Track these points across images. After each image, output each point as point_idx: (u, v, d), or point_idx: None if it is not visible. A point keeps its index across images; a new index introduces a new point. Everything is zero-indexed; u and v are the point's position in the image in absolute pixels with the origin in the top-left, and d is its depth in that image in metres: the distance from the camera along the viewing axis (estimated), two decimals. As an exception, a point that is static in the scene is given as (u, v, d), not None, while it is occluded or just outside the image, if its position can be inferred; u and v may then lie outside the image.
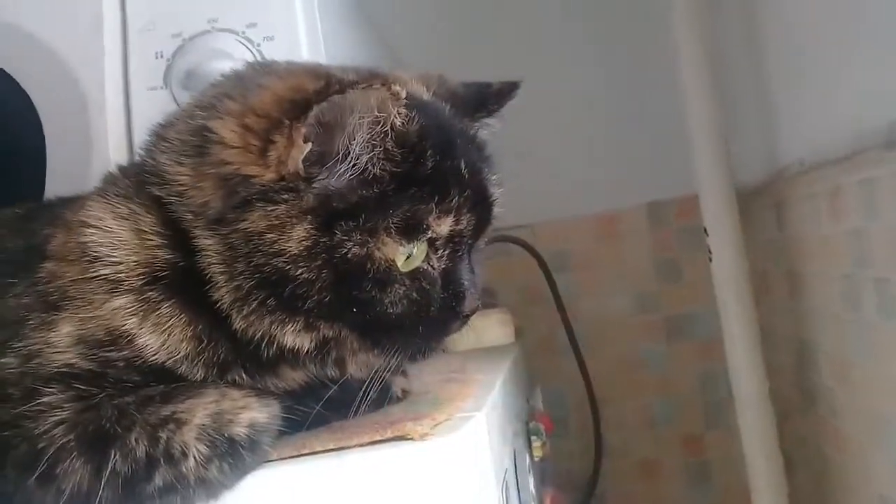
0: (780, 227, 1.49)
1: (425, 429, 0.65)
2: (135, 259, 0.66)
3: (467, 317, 0.71)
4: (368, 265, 0.64)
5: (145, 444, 0.59)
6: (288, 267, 0.63)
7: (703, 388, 1.87)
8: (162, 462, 0.59)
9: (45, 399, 0.60)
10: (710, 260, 1.44)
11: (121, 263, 0.66)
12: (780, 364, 1.54)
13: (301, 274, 0.63)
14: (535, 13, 1.88)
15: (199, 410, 0.61)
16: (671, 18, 1.48)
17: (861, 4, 1.07)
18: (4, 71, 1.08)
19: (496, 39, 1.87)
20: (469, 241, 0.70)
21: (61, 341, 0.63)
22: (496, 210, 0.73)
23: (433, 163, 0.66)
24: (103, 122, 1.05)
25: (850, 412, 1.25)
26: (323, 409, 0.69)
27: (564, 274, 1.84)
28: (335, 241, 0.63)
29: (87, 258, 0.66)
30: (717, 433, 1.84)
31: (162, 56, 1.06)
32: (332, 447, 0.65)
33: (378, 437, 0.65)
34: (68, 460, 0.58)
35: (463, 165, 0.68)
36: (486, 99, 0.78)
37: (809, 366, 1.42)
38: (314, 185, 0.63)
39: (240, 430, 0.61)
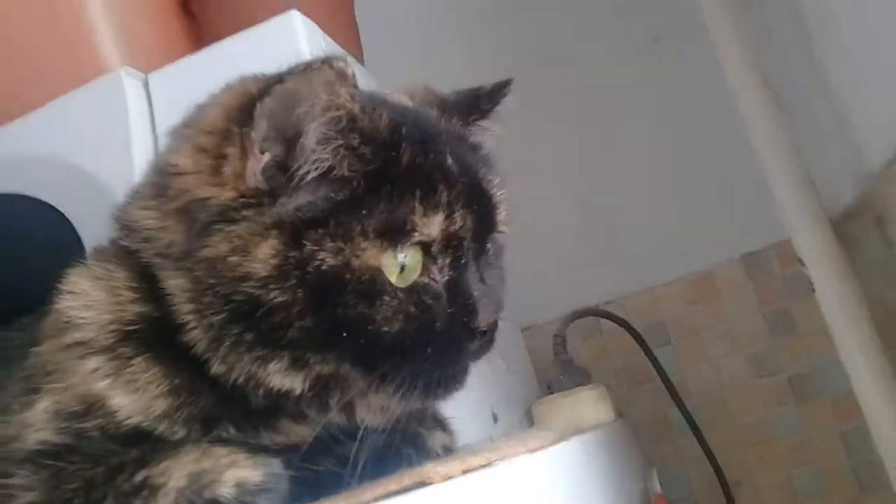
0: (886, 243, 1.33)
1: (450, 471, 0.55)
2: (107, 317, 0.61)
3: (486, 334, 0.62)
4: (348, 276, 0.57)
5: None
6: (258, 292, 0.56)
7: (848, 448, 1.63)
8: None
9: (15, 481, 0.55)
10: (813, 290, 1.29)
11: (92, 324, 0.61)
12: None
13: (274, 298, 0.56)
14: (611, 83, 1.81)
15: (176, 472, 0.53)
16: (723, 58, 1.40)
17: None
18: (48, 204, 1.10)
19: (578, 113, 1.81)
20: (472, 246, 0.62)
21: (38, 419, 0.59)
22: (502, 213, 0.65)
23: (410, 158, 0.59)
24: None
25: None
26: (340, 469, 0.60)
27: (665, 347, 1.70)
28: (305, 253, 0.56)
29: (61, 326, 0.62)
30: (875, 500, 1.60)
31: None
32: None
33: (394, 487, 0.55)
34: None
35: (450, 161, 0.61)
36: (478, 100, 0.71)
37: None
38: (278, 197, 0.57)
39: (225, 492, 0.52)
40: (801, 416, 1.67)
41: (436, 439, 0.68)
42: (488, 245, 0.65)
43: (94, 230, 1.08)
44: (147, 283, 0.62)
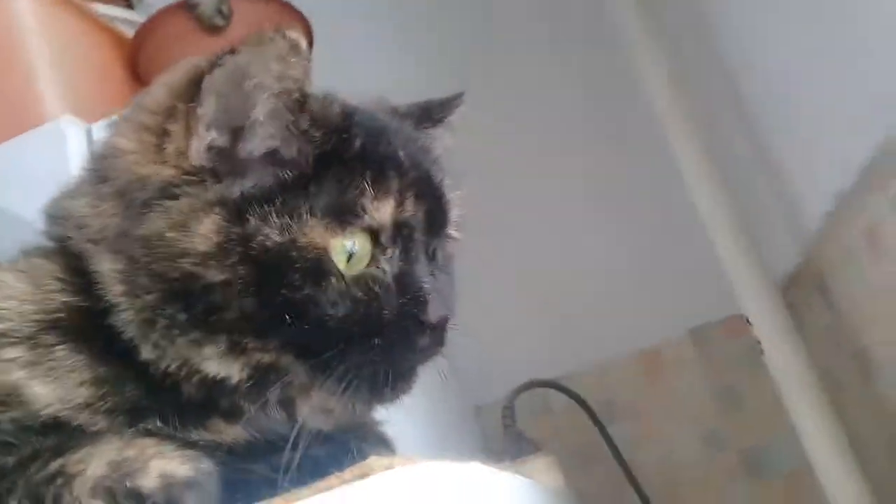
0: (828, 305, 1.34)
1: (388, 462, 0.52)
2: (30, 308, 0.58)
3: (436, 329, 0.59)
4: (294, 254, 0.54)
5: None
6: (196, 269, 0.53)
7: (801, 525, 1.60)
8: None
9: None
10: (762, 352, 1.29)
11: (12, 313, 0.57)
12: (875, 469, 1.32)
13: (214, 276, 0.53)
14: (566, 163, 1.82)
15: (95, 460, 0.48)
16: (671, 134, 1.44)
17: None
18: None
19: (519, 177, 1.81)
20: (422, 240, 0.61)
21: None
22: (454, 214, 0.64)
23: (361, 145, 0.58)
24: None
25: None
26: (275, 475, 0.55)
27: (617, 423, 1.67)
28: (249, 229, 0.54)
29: None
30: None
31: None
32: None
33: (335, 482, 0.51)
34: None
35: (401, 153, 0.61)
36: (430, 110, 0.71)
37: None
38: (222, 176, 0.56)
39: (148, 483, 0.48)
40: (754, 493, 1.64)
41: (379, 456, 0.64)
42: (438, 246, 0.64)
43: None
44: (75, 275, 0.59)
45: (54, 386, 0.54)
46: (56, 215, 0.62)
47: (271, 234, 0.55)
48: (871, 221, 1.04)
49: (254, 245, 0.54)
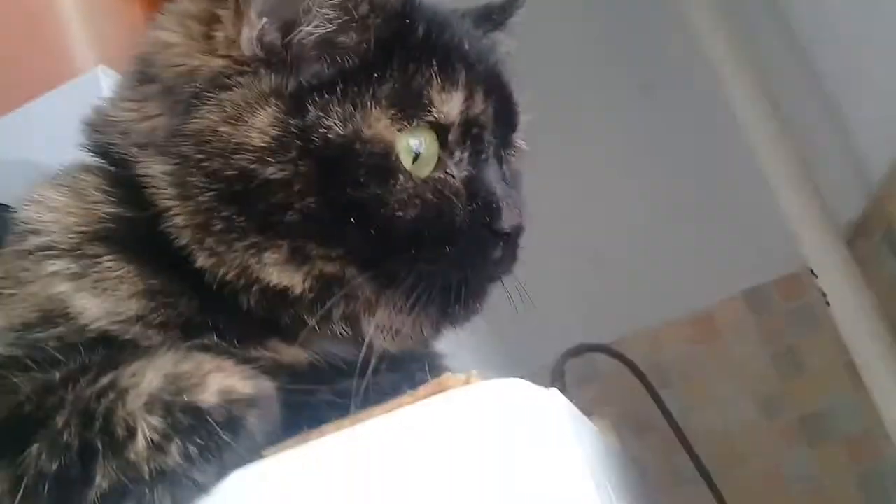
0: (897, 255, 1.28)
1: (465, 376, 0.47)
2: (73, 220, 0.54)
3: (509, 237, 0.55)
4: (358, 147, 0.50)
5: (76, 424, 0.42)
6: (253, 165, 0.49)
7: (865, 490, 1.53)
8: (101, 448, 0.41)
9: None
10: (828, 304, 1.23)
11: (54, 225, 0.53)
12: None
13: (272, 174, 0.49)
14: (607, 125, 1.76)
15: (150, 374, 0.43)
16: (730, 84, 1.38)
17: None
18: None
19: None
20: (493, 142, 0.56)
21: None
22: (521, 116, 0.59)
23: (425, 32, 0.54)
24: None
25: None
26: (339, 400, 0.50)
27: (668, 389, 1.61)
28: (309, 120, 0.50)
29: (20, 234, 0.54)
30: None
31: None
32: (348, 425, 0.46)
33: (408, 401, 0.46)
34: None
35: (466, 45, 0.56)
36: (490, 12, 0.66)
37: None
38: (278, 65, 0.51)
39: (208, 399, 0.43)
40: (813, 459, 1.58)
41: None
42: (506, 154, 0.59)
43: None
44: (119, 185, 0.55)
45: (102, 298, 0.50)
46: (97, 125, 0.58)
47: (333, 125, 0.50)
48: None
49: (314, 138, 0.50)
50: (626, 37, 1.73)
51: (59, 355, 0.47)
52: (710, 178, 1.65)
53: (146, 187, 0.52)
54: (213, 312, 0.52)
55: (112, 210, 0.54)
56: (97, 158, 0.58)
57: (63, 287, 0.50)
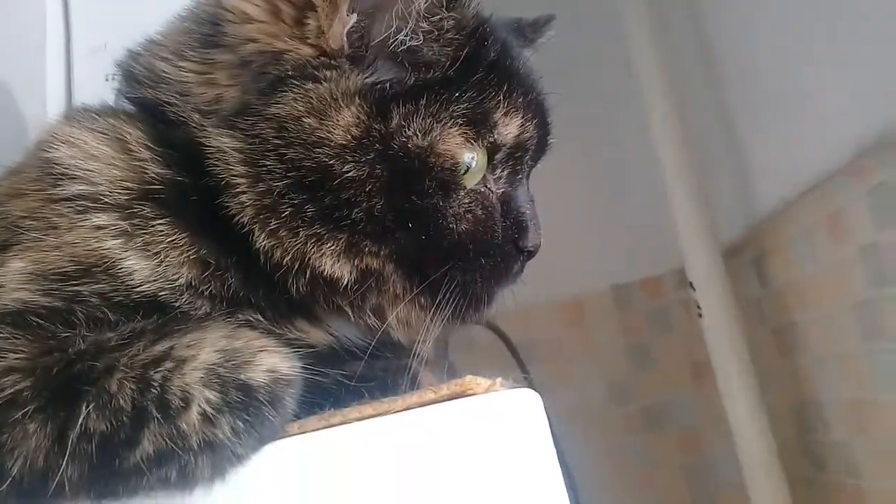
0: (762, 282, 1.42)
1: (489, 382, 0.51)
2: (118, 174, 0.52)
3: (530, 255, 0.59)
4: (432, 160, 0.52)
5: (132, 389, 0.42)
6: (331, 161, 0.50)
7: (687, 480, 1.72)
8: (154, 414, 0.42)
9: None
10: (700, 315, 1.35)
11: (99, 176, 0.51)
12: (780, 434, 1.43)
13: (348, 171, 0.50)
14: None
15: (207, 346, 0.45)
16: (635, 77, 1.46)
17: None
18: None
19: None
20: (529, 163, 0.59)
21: (11, 280, 0.48)
22: (552, 139, 0.63)
23: (496, 54, 0.56)
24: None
25: (873, 465, 1.13)
26: (348, 382, 0.53)
27: (533, 364, 1.71)
28: (392, 127, 0.51)
29: (53, 177, 0.52)
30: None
31: (113, 78, 0.96)
32: (371, 413, 0.49)
33: (430, 396, 0.50)
34: (21, 418, 0.41)
35: (523, 70, 0.59)
36: (522, 29, 0.69)
37: (815, 425, 1.31)
38: (362, 64, 0.52)
39: (258, 377, 0.45)
40: (648, 446, 1.74)
41: (425, 379, 0.63)
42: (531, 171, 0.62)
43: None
44: (165, 146, 0.54)
45: (154, 262, 0.50)
46: (142, 77, 0.56)
47: (413, 135, 0.52)
48: (838, 207, 1.10)
49: (394, 145, 0.51)
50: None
51: (106, 313, 0.47)
52: (606, 176, 1.76)
53: (207, 157, 0.51)
54: (255, 287, 0.52)
55: (161, 171, 0.52)
56: (137, 110, 0.56)
57: (110, 244, 0.49)
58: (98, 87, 0.95)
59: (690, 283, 1.38)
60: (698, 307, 1.35)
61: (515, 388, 0.53)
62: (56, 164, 0.52)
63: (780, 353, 1.39)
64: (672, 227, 1.43)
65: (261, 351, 0.46)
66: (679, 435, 1.72)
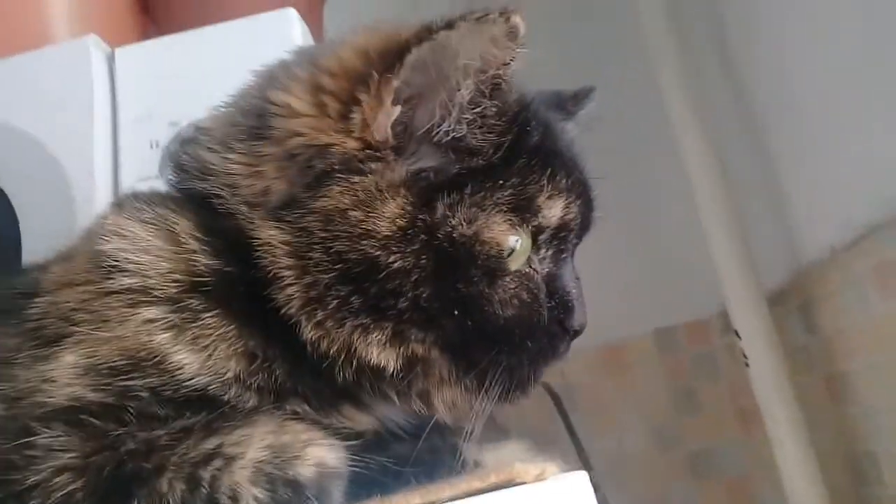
0: (809, 329, 1.39)
1: (538, 470, 0.50)
2: (167, 266, 0.53)
3: (576, 334, 0.58)
4: (478, 249, 0.52)
5: (182, 489, 0.43)
6: (378, 253, 0.50)
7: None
8: None
9: (41, 441, 0.45)
10: (747, 365, 1.33)
11: (149, 269, 0.52)
12: (832, 484, 1.39)
13: (394, 262, 0.50)
14: None
15: (255, 443, 0.45)
16: (671, 123, 1.45)
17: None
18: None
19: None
20: (574, 242, 0.59)
21: (63, 375, 0.49)
22: (596, 215, 0.62)
23: (539, 136, 0.56)
24: (90, 214, 0.95)
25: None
26: (396, 467, 0.53)
27: (575, 411, 1.69)
28: (437, 218, 0.51)
29: (104, 270, 0.53)
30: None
31: (157, 145, 0.98)
32: (418, 502, 0.49)
33: (477, 485, 0.49)
34: None
35: (566, 150, 0.59)
36: (564, 101, 0.69)
37: (869, 477, 1.28)
38: (406, 155, 0.52)
39: (306, 472, 0.45)
40: (695, 493, 1.70)
41: (470, 453, 0.63)
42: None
43: (32, 204, 0.98)
44: (212, 235, 0.54)
45: (203, 356, 0.50)
46: (190, 167, 0.57)
47: (459, 224, 0.52)
48: (887, 256, 1.08)
49: (440, 235, 0.51)
50: (583, 69, 1.78)
51: (156, 408, 0.48)
52: (647, 220, 1.74)
53: (255, 249, 0.52)
54: (301, 377, 0.53)
55: (210, 262, 0.53)
56: (186, 199, 0.57)
57: (160, 337, 0.50)
58: (144, 153, 0.99)
59: (736, 332, 1.36)
60: (744, 356, 1.33)
61: (564, 472, 0.53)
62: (107, 256, 0.53)
63: (832, 402, 1.36)
64: (715, 272, 1.41)
65: (308, 445, 0.46)
66: (727, 483, 1.69)
